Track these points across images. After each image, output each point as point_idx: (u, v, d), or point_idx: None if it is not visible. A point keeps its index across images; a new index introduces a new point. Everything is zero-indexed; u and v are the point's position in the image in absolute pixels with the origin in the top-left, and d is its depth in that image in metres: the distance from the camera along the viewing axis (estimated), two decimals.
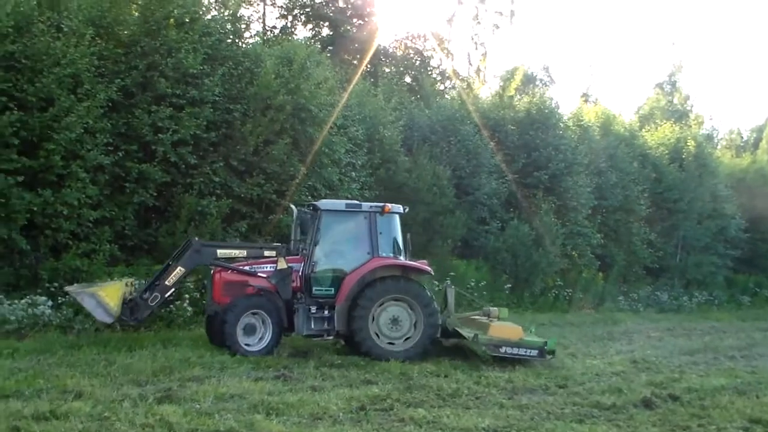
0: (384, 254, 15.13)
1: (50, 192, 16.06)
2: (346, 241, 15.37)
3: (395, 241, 15.51)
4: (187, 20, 19.11)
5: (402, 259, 15.39)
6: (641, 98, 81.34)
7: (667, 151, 34.90)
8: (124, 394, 9.83)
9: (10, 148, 15.69)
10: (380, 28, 37.80)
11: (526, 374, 13.14)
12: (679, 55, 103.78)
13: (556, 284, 27.68)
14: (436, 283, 19.69)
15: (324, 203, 15.49)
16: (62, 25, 17.12)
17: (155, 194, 18.18)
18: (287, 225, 19.61)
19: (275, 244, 15.61)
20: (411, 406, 10.25)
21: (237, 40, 21.15)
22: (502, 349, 14.62)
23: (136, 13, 19.34)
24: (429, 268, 15.74)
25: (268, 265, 14.65)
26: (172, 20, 18.75)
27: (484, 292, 24.41)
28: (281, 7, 37.17)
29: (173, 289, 14.43)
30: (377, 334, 14.48)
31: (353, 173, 22.28)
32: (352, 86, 24.45)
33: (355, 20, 37.25)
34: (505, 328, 15.40)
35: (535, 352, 14.70)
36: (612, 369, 14.28)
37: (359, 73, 28.00)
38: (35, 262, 16.44)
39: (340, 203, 15.77)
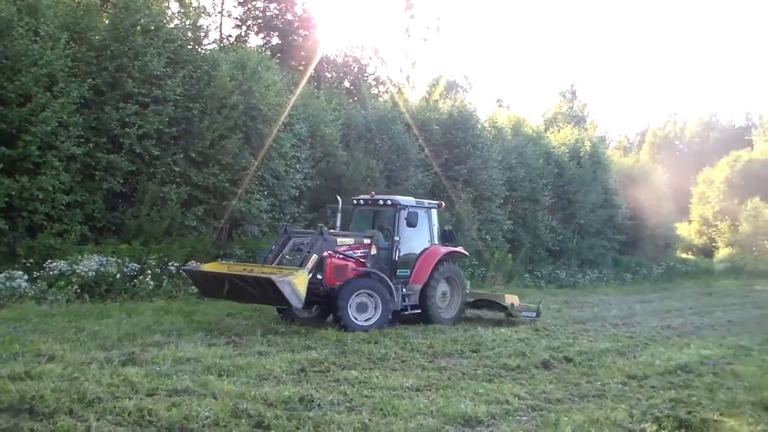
0: (437, 242, 16.00)
1: (27, 178, 15.89)
2: (414, 231, 15.56)
3: (438, 231, 16.32)
4: (152, 28, 18.96)
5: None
6: (547, 104, 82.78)
7: (567, 151, 35.41)
8: (92, 358, 9.64)
9: None
10: (323, 38, 37.75)
11: (444, 341, 13.15)
12: (579, 68, 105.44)
13: (472, 263, 27.62)
14: None
15: (400, 199, 15.70)
16: (39, 30, 16.81)
17: (122, 181, 18.02)
18: (239, 210, 19.56)
19: (371, 231, 15.57)
20: (345, 368, 10.18)
21: (196, 47, 20.91)
22: (523, 313, 16.89)
23: (107, 21, 19.10)
24: (467, 253, 17.39)
25: (359, 251, 14.72)
26: (138, 28, 18.58)
27: None
28: (236, 18, 36.90)
29: (311, 274, 13.58)
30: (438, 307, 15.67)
31: (298, 165, 22.14)
32: (299, 89, 24.29)
33: (301, 31, 37.06)
34: (512, 297, 17.39)
35: (533, 314, 16.94)
36: (517, 336, 14.37)
37: (305, 78, 27.86)
38: (13, 241, 16.14)
39: (411, 200, 16.07)
